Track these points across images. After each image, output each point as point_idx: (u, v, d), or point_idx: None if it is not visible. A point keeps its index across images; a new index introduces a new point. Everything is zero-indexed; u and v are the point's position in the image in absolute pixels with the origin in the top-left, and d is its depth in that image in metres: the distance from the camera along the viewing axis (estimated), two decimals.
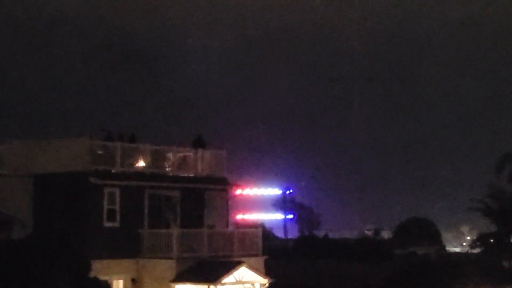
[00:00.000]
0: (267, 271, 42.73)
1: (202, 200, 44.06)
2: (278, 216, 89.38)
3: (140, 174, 41.81)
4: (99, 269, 37.33)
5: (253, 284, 40.82)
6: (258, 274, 41.05)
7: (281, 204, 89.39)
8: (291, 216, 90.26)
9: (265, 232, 62.31)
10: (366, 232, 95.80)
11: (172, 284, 39.66)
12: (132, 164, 42.06)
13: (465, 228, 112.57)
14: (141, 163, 42.35)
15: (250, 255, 42.36)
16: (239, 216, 70.49)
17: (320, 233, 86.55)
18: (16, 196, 40.46)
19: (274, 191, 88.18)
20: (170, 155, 43.75)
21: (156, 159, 42.91)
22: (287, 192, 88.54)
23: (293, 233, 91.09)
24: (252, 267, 40.72)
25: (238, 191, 61.18)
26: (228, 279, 39.45)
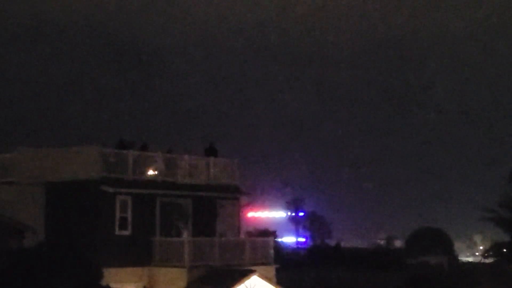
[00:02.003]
0: (279, 280, 42.61)
1: (213, 208, 44.02)
2: (290, 239, 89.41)
3: (152, 182, 41.80)
4: (110, 277, 37.27)
5: None
6: (270, 283, 40.93)
7: (294, 224, 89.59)
8: (303, 239, 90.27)
9: (277, 241, 62.21)
10: (378, 241, 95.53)
11: None
12: (144, 172, 42.07)
13: (477, 238, 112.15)
14: (153, 171, 42.35)
15: (262, 264, 42.26)
16: (251, 214, 70.22)
17: (332, 242, 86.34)
18: (28, 204, 40.49)
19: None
20: (182, 163, 43.73)
21: (168, 167, 42.90)
22: (299, 214, 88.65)
23: (305, 242, 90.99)
24: (263, 276, 40.61)
25: (250, 214, 61.05)
26: (239, 287, 39.34)
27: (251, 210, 61.82)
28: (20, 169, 41.17)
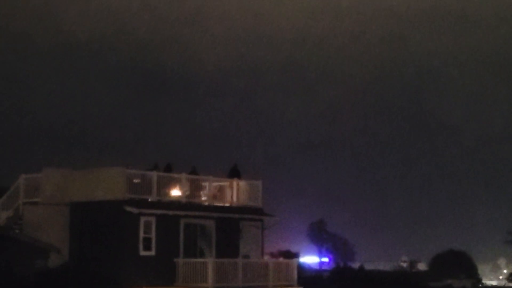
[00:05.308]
0: None
1: (237, 230, 44.12)
2: (313, 258, 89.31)
3: (176, 203, 42.00)
4: None
5: None
6: None
7: (317, 246, 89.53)
8: (327, 259, 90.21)
9: (300, 263, 62.11)
10: (401, 264, 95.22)
11: None
12: (168, 194, 42.28)
13: (502, 261, 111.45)
14: (177, 193, 42.55)
15: (285, 286, 42.24)
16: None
17: (355, 264, 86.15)
18: (53, 224, 40.77)
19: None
20: (206, 184, 43.92)
21: (192, 188, 43.12)
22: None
23: (328, 263, 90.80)
24: None
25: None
26: None
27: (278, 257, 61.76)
28: (46, 189, 41.49)
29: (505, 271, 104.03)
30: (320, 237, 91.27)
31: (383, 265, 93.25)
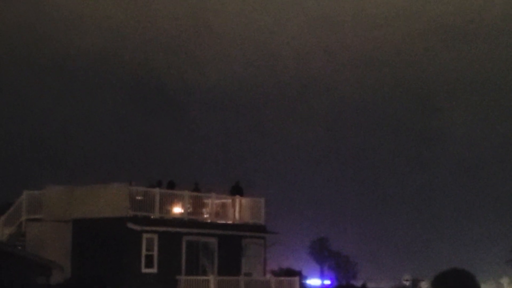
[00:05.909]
0: None
1: (239, 247, 44.08)
2: (315, 281, 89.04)
3: (178, 221, 41.97)
4: None
5: None
6: None
7: (319, 264, 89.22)
8: (329, 281, 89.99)
9: (302, 280, 61.90)
10: (404, 282, 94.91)
11: None
12: (170, 211, 42.27)
13: (504, 280, 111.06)
14: (179, 210, 42.54)
15: None
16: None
17: (357, 283, 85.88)
18: (55, 241, 40.76)
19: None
20: (208, 202, 43.92)
21: (195, 205, 43.11)
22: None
23: (331, 285, 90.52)
24: None
25: None
26: None
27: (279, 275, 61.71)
28: (48, 206, 41.53)
29: None
30: (322, 255, 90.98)
31: (386, 284, 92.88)
